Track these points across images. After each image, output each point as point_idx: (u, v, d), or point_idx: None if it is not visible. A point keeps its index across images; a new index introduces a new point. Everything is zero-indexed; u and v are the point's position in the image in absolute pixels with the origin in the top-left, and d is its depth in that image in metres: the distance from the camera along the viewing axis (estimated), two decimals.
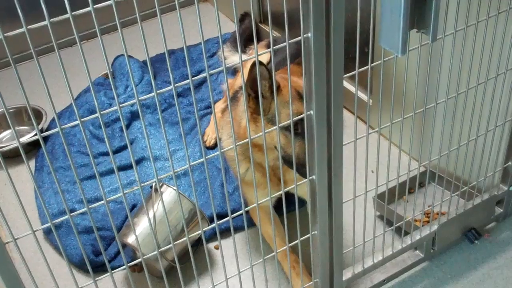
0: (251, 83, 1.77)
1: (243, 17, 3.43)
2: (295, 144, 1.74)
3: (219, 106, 2.98)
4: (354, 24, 1.45)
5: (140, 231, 2.15)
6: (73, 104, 1.14)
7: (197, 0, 1.17)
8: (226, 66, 1.35)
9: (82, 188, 1.28)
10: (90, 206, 1.32)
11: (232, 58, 3.21)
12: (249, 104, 1.88)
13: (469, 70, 1.76)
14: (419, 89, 1.69)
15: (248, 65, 2.75)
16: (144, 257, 1.52)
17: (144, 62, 3.38)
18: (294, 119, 1.49)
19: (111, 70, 3.38)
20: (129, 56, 3.34)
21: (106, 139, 1.24)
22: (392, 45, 1.38)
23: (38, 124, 2.92)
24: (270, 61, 2.76)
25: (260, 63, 1.49)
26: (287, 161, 1.87)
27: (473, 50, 1.72)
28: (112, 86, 1.19)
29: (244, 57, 3.11)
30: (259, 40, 3.29)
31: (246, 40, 3.26)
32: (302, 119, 1.53)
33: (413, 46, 1.56)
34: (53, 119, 3.09)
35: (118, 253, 2.36)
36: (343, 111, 1.56)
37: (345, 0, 1.35)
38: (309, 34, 1.35)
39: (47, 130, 3.05)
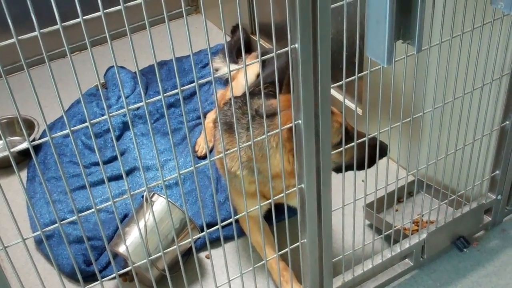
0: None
1: (235, 29, 3.46)
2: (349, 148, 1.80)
3: (210, 117, 3.00)
4: (343, 35, 1.47)
5: (131, 240, 2.16)
6: (63, 115, 1.16)
7: (185, 12, 1.19)
8: (217, 76, 1.37)
9: (73, 198, 1.30)
10: (79, 215, 1.34)
11: (224, 69, 3.23)
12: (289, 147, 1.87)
13: (455, 80, 1.78)
14: (407, 99, 1.71)
15: (238, 76, 2.79)
16: (134, 265, 1.53)
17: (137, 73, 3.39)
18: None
19: (104, 80, 3.40)
20: (122, 67, 3.38)
21: (96, 150, 1.26)
22: (378, 55, 1.41)
23: (30, 134, 2.94)
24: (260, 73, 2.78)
25: None
26: (337, 169, 1.86)
27: (459, 60, 1.75)
28: (102, 97, 1.20)
29: (236, 67, 3.13)
30: (250, 51, 3.33)
31: (238, 51, 3.29)
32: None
33: (400, 56, 1.59)
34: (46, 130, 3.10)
35: (110, 262, 2.37)
36: (331, 120, 1.58)
37: (334, 11, 1.38)
38: (296, 45, 1.37)
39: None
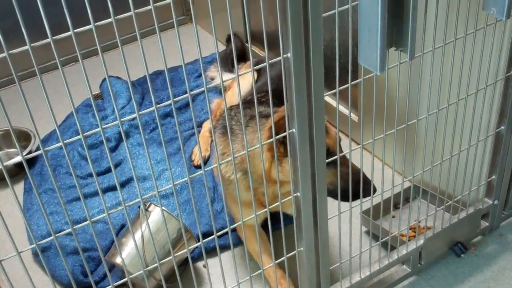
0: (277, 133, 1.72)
1: (230, 38, 3.47)
2: (329, 172, 1.79)
3: (206, 126, 3.00)
4: (339, 43, 1.48)
5: (128, 251, 2.16)
6: (56, 129, 1.16)
7: (176, 22, 1.20)
8: (210, 86, 1.37)
9: (67, 210, 1.30)
10: (75, 227, 1.34)
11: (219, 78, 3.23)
12: (278, 150, 1.87)
13: (449, 86, 1.79)
14: (401, 106, 1.71)
15: (234, 85, 2.80)
16: (131, 276, 1.53)
17: (133, 83, 3.40)
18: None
19: (100, 91, 3.40)
20: (118, 77, 3.38)
21: (89, 162, 1.26)
22: (370, 63, 1.41)
23: (26, 146, 2.94)
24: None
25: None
26: (331, 191, 1.84)
27: (453, 66, 1.75)
28: (95, 108, 1.21)
29: (231, 76, 3.14)
30: (245, 60, 3.33)
31: (233, 60, 3.29)
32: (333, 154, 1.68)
33: (393, 63, 1.59)
34: (42, 141, 3.11)
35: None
36: (325, 128, 1.58)
37: (328, 19, 1.38)
38: (289, 54, 1.38)
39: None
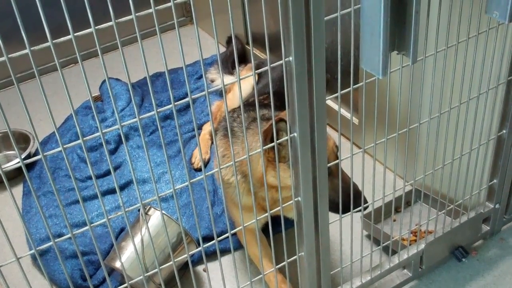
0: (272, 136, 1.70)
1: (230, 39, 3.46)
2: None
3: (206, 128, 2.99)
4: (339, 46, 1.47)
5: (128, 255, 2.15)
6: (56, 132, 1.15)
7: (177, 24, 1.18)
8: (211, 90, 1.36)
9: (66, 214, 1.28)
10: (74, 233, 1.32)
11: (220, 80, 3.22)
12: (270, 155, 1.89)
13: (451, 89, 1.78)
14: (403, 109, 1.70)
15: (234, 87, 2.79)
16: (131, 282, 1.52)
17: (132, 85, 3.38)
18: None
19: (100, 93, 3.39)
20: (117, 79, 3.36)
21: (89, 165, 1.25)
22: (372, 67, 1.40)
23: (25, 148, 2.93)
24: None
25: (283, 119, 1.62)
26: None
27: (455, 70, 1.74)
28: (94, 112, 1.19)
29: (232, 78, 3.13)
30: (246, 62, 3.32)
31: (233, 62, 3.28)
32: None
33: (395, 67, 1.58)
34: (41, 143, 3.09)
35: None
36: (326, 132, 1.57)
37: (329, 22, 1.37)
38: (291, 58, 1.36)
39: (35, 154, 3.05)
